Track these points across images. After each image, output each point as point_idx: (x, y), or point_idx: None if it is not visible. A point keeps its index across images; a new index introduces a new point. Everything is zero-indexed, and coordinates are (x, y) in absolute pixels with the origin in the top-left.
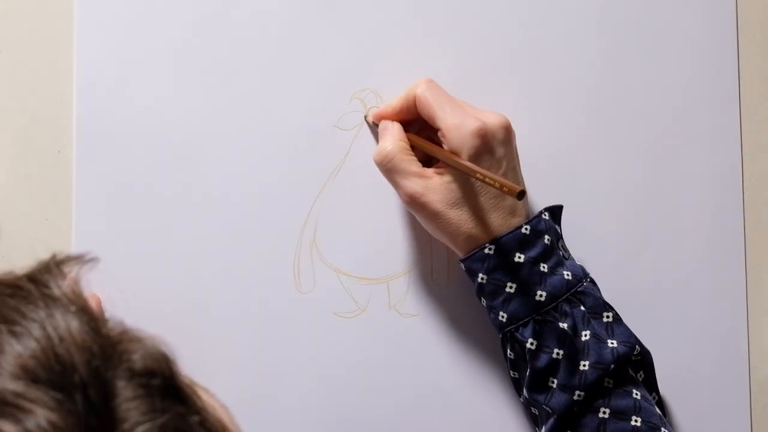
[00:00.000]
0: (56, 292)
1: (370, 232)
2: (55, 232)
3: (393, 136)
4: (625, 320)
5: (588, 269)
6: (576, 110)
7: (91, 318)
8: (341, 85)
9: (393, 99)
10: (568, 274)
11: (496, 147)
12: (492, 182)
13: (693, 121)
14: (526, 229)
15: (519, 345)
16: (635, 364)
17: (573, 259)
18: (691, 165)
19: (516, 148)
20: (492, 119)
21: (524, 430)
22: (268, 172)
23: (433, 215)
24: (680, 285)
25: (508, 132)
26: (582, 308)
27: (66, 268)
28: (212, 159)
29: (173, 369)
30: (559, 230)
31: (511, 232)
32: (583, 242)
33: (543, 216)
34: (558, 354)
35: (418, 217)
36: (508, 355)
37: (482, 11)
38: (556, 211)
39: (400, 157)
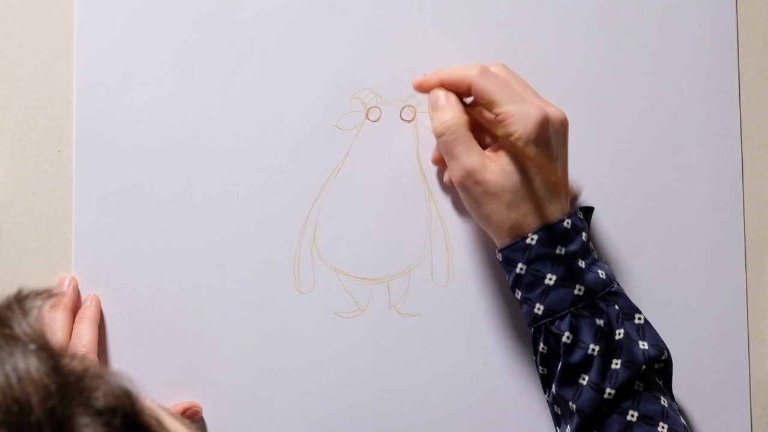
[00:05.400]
0: (17, 330)
1: (370, 232)
2: (55, 232)
3: (454, 108)
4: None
5: None
6: (576, 110)
7: (51, 356)
8: (341, 85)
9: (439, 71)
10: (602, 273)
11: (552, 140)
12: (551, 177)
13: (693, 121)
14: (567, 223)
15: (554, 338)
16: (658, 373)
17: (602, 261)
18: (691, 165)
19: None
20: (553, 111)
21: (526, 429)
22: (268, 172)
23: (485, 195)
24: (680, 285)
25: (565, 127)
26: (616, 307)
27: (29, 305)
28: (212, 159)
29: (136, 406)
30: (589, 231)
31: (555, 224)
32: None
33: (578, 214)
34: (593, 350)
35: (466, 196)
36: (541, 350)
37: (482, 11)
38: (587, 212)
39: (463, 130)
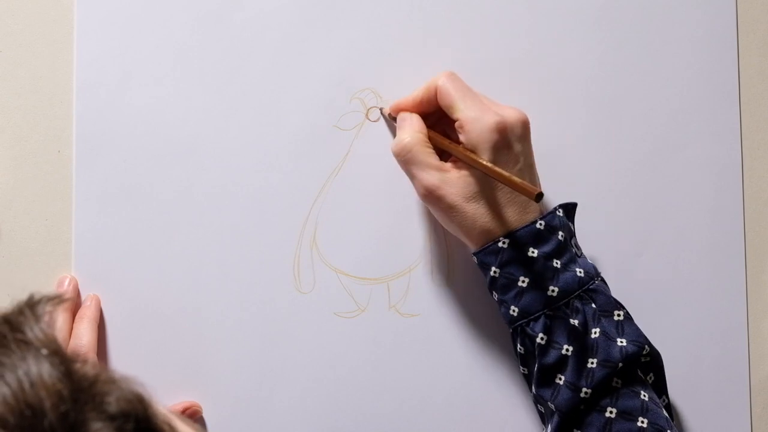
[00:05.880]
0: (29, 335)
1: (370, 232)
2: (55, 232)
3: (412, 128)
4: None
5: None
6: (576, 110)
7: (63, 361)
8: (341, 85)
9: (413, 91)
10: (580, 272)
11: (513, 142)
12: (510, 183)
13: (693, 121)
14: (540, 224)
15: (529, 339)
16: (645, 366)
17: (585, 257)
18: (691, 165)
19: (531, 143)
20: (510, 114)
21: (525, 429)
22: (268, 172)
23: (449, 208)
24: (680, 285)
25: (525, 128)
26: (593, 306)
27: (41, 310)
28: (212, 159)
29: (148, 411)
30: (572, 227)
31: (526, 226)
32: (583, 242)
33: (557, 212)
34: (567, 350)
35: (433, 211)
36: (519, 350)
37: (482, 11)
38: (569, 209)
39: (419, 149)
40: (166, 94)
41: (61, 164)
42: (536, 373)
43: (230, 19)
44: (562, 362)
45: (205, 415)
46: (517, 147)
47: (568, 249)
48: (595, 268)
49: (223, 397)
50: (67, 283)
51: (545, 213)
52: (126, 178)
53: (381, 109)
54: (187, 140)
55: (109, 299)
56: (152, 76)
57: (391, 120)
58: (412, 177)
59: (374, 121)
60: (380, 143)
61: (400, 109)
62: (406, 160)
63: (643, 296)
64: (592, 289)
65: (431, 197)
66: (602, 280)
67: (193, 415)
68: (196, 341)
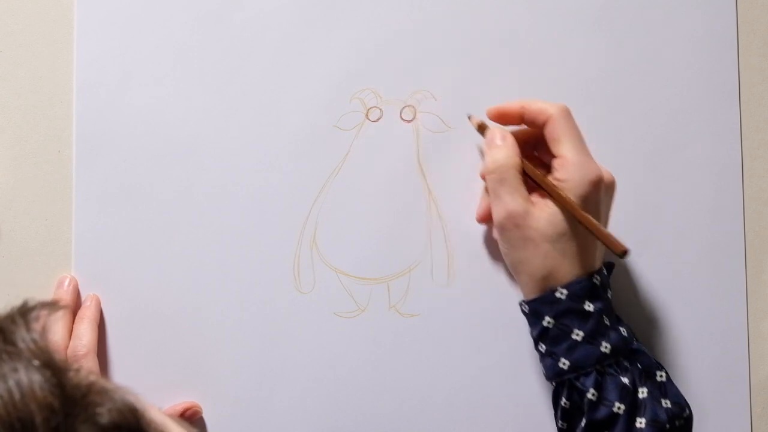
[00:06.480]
0: (21, 344)
1: (370, 232)
2: (55, 232)
3: (509, 150)
4: (625, 320)
5: None
6: (575, 110)
7: (55, 372)
8: (341, 85)
9: (515, 101)
10: (624, 331)
11: (601, 200)
12: (601, 235)
13: (693, 121)
14: (596, 279)
15: (578, 394)
16: (679, 430)
17: (621, 319)
18: (691, 165)
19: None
20: (607, 173)
21: (526, 429)
22: (268, 172)
23: (524, 241)
24: (680, 285)
25: (614, 190)
26: (639, 366)
27: (33, 317)
28: (212, 159)
29: (141, 421)
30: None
31: (584, 279)
32: None
33: (603, 271)
34: (619, 408)
35: (505, 239)
36: (563, 404)
37: (482, 11)
38: (609, 268)
39: (513, 172)
40: (166, 94)
41: (61, 164)
42: (584, 428)
43: (230, 19)
44: (611, 420)
45: (205, 415)
46: (603, 206)
47: (613, 309)
48: (631, 329)
49: (223, 397)
50: (67, 283)
51: (598, 270)
52: (126, 178)
53: (471, 117)
54: (187, 140)
55: (109, 299)
56: (152, 76)
57: (476, 125)
58: (497, 197)
59: (374, 121)
60: (380, 143)
61: (501, 114)
62: (499, 180)
63: (643, 296)
64: (635, 349)
65: (510, 224)
66: (638, 342)
67: (193, 415)
68: (196, 341)
